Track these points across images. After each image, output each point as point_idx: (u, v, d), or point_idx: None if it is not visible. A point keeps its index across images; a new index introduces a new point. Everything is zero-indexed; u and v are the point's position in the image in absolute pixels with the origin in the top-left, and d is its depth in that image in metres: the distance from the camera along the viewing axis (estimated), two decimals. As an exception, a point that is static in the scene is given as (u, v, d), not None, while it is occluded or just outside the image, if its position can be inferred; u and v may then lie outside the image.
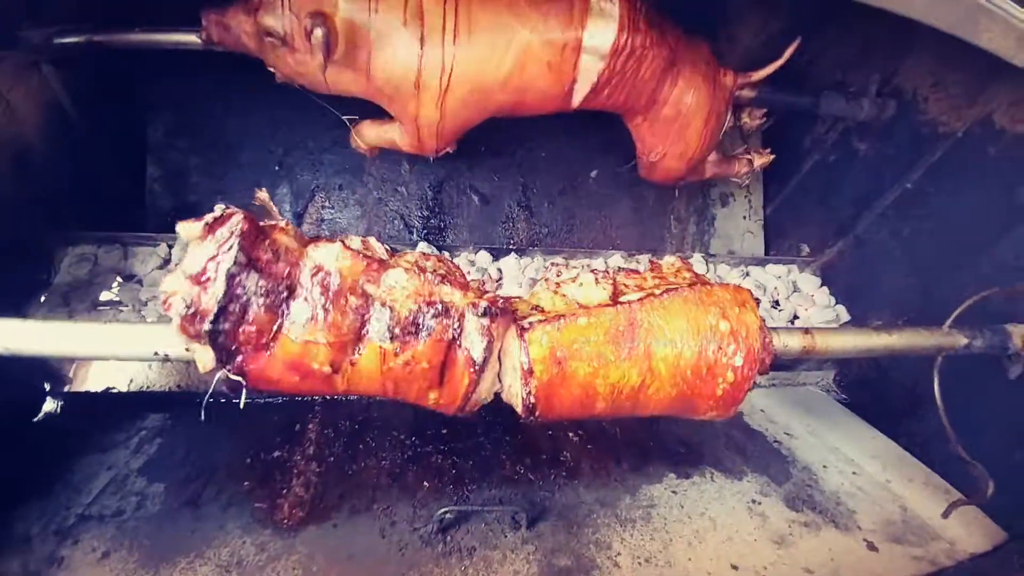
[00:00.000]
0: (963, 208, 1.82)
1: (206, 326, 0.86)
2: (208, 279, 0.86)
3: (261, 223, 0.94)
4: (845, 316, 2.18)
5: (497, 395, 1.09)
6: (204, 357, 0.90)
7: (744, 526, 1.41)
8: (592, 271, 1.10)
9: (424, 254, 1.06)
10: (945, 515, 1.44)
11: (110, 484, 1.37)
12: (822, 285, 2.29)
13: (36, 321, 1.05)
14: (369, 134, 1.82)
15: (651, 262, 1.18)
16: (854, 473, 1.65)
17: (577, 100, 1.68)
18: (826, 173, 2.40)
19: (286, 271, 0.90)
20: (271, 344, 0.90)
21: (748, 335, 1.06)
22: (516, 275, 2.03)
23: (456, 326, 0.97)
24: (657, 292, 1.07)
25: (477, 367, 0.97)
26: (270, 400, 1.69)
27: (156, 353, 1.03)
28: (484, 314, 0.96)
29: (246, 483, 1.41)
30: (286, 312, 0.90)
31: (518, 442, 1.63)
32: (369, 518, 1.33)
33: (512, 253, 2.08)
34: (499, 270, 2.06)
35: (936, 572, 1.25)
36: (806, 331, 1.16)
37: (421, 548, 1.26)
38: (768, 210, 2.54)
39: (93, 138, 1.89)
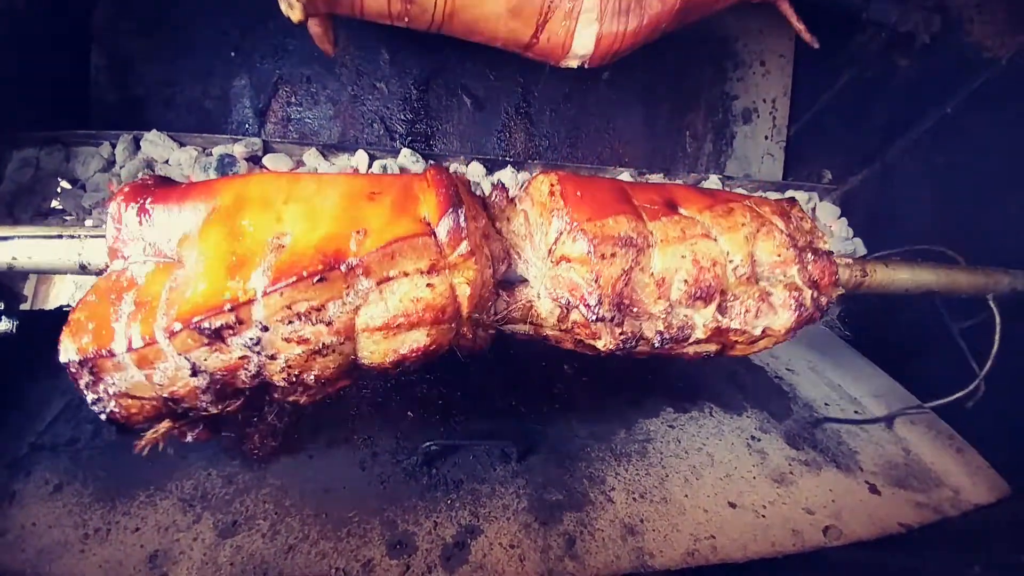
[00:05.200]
0: (1000, 142, 1.67)
1: None
2: None
3: None
4: (862, 250, 2.04)
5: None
6: None
7: (743, 463, 1.36)
8: (617, 343, 0.91)
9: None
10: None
11: (64, 411, 1.25)
12: (841, 216, 2.13)
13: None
14: None
15: (739, 329, 0.97)
16: (856, 412, 1.60)
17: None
18: (861, 91, 2.17)
19: None
20: None
21: None
22: (513, 191, 1.81)
23: None
24: (662, 353, 0.98)
25: None
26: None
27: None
28: None
29: (213, 410, 1.29)
30: None
31: (509, 373, 1.53)
32: (348, 449, 1.24)
33: (508, 166, 1.85)
34: (492, 184, 1.84)
35: (941, 521, 1.21)
36: (860, 262, 1.02)
37: (404, 481, 1.18)
38: (792, 131, 2.30)
39: (36, 24, 1.59)
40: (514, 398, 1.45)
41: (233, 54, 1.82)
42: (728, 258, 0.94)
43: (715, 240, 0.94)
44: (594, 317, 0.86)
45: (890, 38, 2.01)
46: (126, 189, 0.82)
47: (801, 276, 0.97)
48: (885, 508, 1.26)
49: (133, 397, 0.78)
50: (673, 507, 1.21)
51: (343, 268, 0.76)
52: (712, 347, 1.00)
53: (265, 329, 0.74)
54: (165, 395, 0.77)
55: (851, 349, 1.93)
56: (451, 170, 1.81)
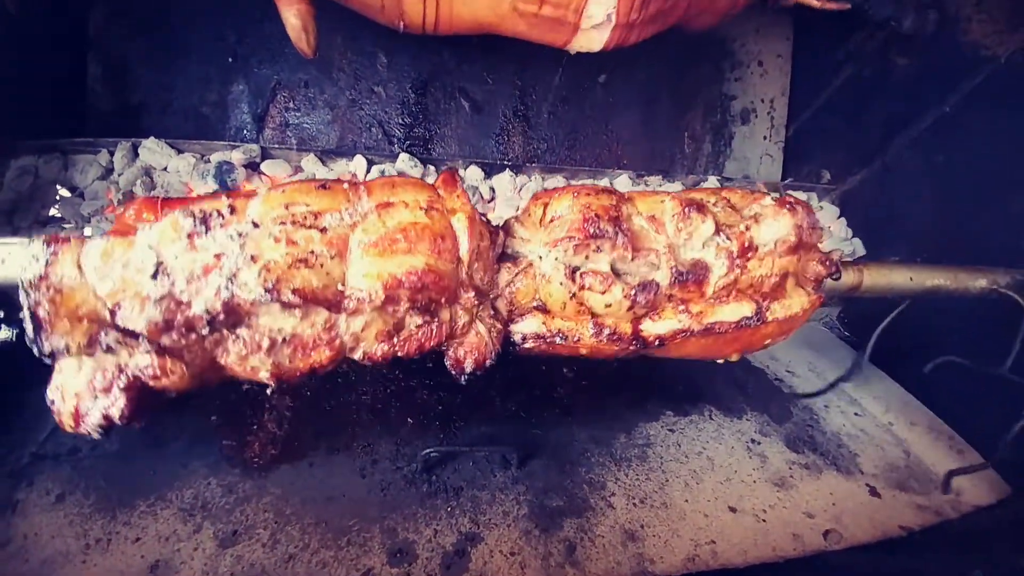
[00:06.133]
0: (1000, 141, 1.67)
1: None
2: None
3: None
4: (861, 250, 2.04)
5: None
6: None
7: (743, 467, 1.36)
8: (630, 295, 0.90)
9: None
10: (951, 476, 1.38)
11: (63, 418, 1.25)
12: (840, 216, 2.13)
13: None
14: None
15: (745, 246, 0.95)
16: (856, 414, 1.60)
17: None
18: (859, 90, 2.16)
19: None
20: None
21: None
22: (511, 195, 1.82)
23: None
24: (695, 328, 0.96)
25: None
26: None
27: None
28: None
29: (213, 418, 1.29)
30: None
31: (509, 377, 1.53)
32: (348, 457, 1.24)
33: (507, 170, 1.85)
34: (491, 188, 1.84)
35: (940, 523, 1.22)
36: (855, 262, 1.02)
37: (405, 488, 1.18)
38: (790, 130, 2.29)
39: (32, 35, 1.59)
40: (514, 403, 1.45)
41: (230, 60, 1.82)
42: (703, 200, 0.99)
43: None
44: (593, 230, 0.88)
45: (888, 36, 2.00)
46: (136, 203, 0.81)
47: (777, 201, 1.01)
48: (886, 511, 1.26)
49: (71, 293, 0.69)
50: (673, 512, 1.21)
51: (346, 185, 0.79)
52: (746, 306, 0.97)
53: (256, 226, 0.72)
54: (109, 304, 0.68)
55: (851, 350, 1.93)
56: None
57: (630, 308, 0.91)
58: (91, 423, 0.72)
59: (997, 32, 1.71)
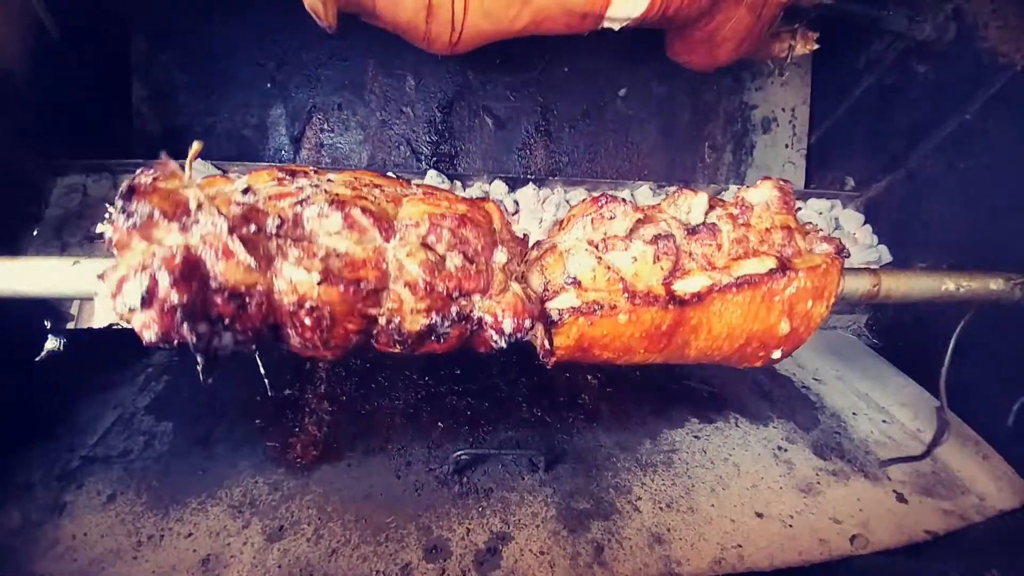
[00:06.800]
0: (1020, 146, 1.65)
1: None
2: None
3: None
4: (887, 257, 2.02)
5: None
6: None
7: (769, 473, 1.37)
8: (651, 241, 0.95)
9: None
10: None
11: (116, 423, 1.33)
12: (865, 223, 2.12)
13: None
14: None
15: (741, 205, 1.01)
16: (884, 421, 1.59)
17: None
18: (880, 98, 2.16)
19: None
20: None
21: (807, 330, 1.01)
22: (534, 207, 1.88)
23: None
24: (726, 281, 0.97)
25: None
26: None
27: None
28: None
29: (257, 421, 1.37)
30: None
31: (534, 384, 1.57)
32: (384, 458, 1.30)
33: (530, 183, 1.91)
34: (515, 202, 1.90)
35: (965, 527, 1.21)
36: (874, 272, 1.03)
37: (437, 488, 1.23)
38: (813, 138, 2.30)
39: (76, 58, 1.71)
40: (539, 408, 1.49)
41: (269, 85, 1.94)
42: None
43: None
44: (603, 200, 0.98)
45: (908, 45, 2.01)
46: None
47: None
48: (912, 516, 1.26)
49: (171, 185, 0.77)
50: (700, 516, 1.23)
51: (400, 179, 0.97)
52: (768, 260, 0.98)
53: (331, 181, 0.89)
54: (203, 195, 0.76)
55: (879, 358, 1.91)
56: (474, 187, 1.89)
57: (656, 260, 0.94)
58: (132, 286, 0.71)
59: (1013, 39, 1.70)
